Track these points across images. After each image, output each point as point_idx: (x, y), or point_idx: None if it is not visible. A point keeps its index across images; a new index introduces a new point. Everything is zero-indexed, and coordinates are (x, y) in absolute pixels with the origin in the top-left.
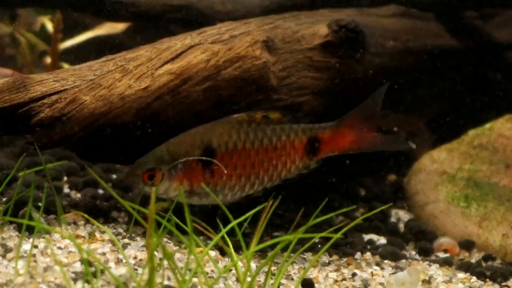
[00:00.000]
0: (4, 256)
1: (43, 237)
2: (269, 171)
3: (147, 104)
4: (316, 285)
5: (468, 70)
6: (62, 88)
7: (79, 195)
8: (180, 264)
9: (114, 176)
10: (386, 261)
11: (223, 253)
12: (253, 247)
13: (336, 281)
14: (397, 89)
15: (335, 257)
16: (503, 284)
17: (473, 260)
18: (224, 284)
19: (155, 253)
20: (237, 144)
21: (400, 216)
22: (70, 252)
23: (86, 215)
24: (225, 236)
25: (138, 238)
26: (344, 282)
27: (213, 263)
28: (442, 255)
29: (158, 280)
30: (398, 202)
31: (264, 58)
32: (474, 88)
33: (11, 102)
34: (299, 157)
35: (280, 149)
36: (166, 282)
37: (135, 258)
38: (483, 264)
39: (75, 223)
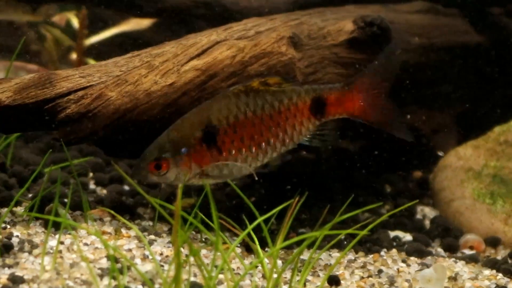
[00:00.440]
0: (30, 252)
1: (69, 233)
2: (279, 136)
3: (173, 100)
4: (342, 282)
5: (493, 66)
6: (88, 84)
7: (105, 191)
8: (206, 261)
9: None
10: (412, 258)
11: (249, 249)
12: (279, 243)
13: (362, 278)
14: (423, 85)
15: (361, 253)
16: None
17: (499, 257)
18: (250, 280)
19: (181, 249)
20: (238, 116)
21: (426, 212)
22: (96, 248)
23: (112, 211)
24: (251, 232)
25: (164, 235)
26: (370, 279)
27: (239, 259)
28: (468, 252)
29: (184, 276)
30: (424, 198)
31: (290, 54)
32: (500, 85)
33: (37, 98)
34: (306, 118)
35: (284, 112)
36: (192, 279)
37: (161, 254)
38: (509, 261)
39: (101, 219)
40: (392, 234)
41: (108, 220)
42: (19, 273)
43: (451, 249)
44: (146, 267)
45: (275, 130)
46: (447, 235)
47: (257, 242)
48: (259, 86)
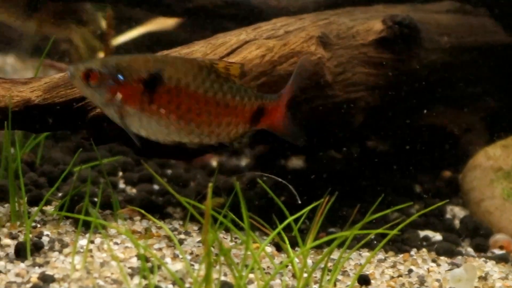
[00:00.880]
0: (60, 252)
1: (99, 233)
2: (211, 126)
3: None
4: (372, 281)
5: None
6: None
7: (134, 190)
8: (236, 260)
9: (169, 172)
10: (442, 258)
11: (279, 249)
12: (310, 243)
13: (392, 277)
14: (452, 85)
15: (391, 253)
16: None
17: None
18: (281, 280)
19: (212, 248)
20: (190, 85)
21: (456, 212)
22: (126, 247)
23: (142, 211)
24: (282, 232)
25: (194, 234)
26: (400, 278)
27: (269, 259)
28: (498, 251)
29: (214, 275)
30: (454, 198)
31: (319, 53)
32: None
33: (66, 97)
34: (243, 122)
35: (231, 108)
36: (222, 278)
37: (191, 253)
38: None
39: (131, 218)
40: (422, 233)
41: (138, 220)
42: (49, 272)
43: (481, 249)
44: (177, 266)
45: (212, 118)
46: (476, 235)
47: (287, 242)
48: (223, 70)
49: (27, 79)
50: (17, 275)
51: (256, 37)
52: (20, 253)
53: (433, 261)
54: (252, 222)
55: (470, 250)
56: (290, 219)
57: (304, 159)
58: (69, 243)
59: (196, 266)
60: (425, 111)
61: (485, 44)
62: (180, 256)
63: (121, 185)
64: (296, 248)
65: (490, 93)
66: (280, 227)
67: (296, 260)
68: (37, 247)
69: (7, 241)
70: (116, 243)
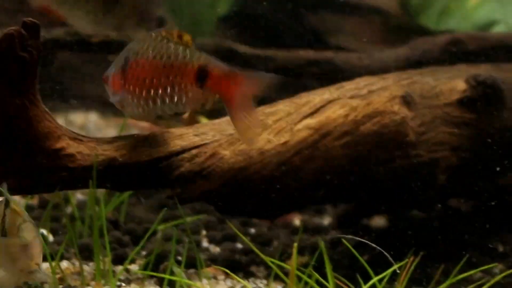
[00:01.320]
0: None
1: None
2: (166, 90)
3: (286, 159)
4: None
5: None
6: (202, 143)
7: (218, 249)
8: None
9: (253, 230)
10: None
11: None
12: None
13: None
14: None
15: None
16: None
17: None
18: None
19: None
20: (144, 55)
21: None
22: None
23: (225, 270)
24: None
25: None
26: None
27: None
28: None
29: None
30: None
31: (402, 113)
32: None
33: (151, 156)
34: (189, 83)
35: (175, 68)
36: None
37: None
38: None
39: (215, 277)
40: None
41: (222, 279)
42: None
43: None
44: None
45: (164, 82)
46: None
47: None
48: (176, 38)
49: (112, 137)
50: None
51: (339, 96)
52: None
53: None
54: (337, 282)
55: None
56: (375, 279)
57: (387, 219)
58: None
59: None
60: (508, 171)
61: None
62: None
63: (205, 243)
64: None
65: None
66: (365, 287)
67: None
68: None
69: None
70: None
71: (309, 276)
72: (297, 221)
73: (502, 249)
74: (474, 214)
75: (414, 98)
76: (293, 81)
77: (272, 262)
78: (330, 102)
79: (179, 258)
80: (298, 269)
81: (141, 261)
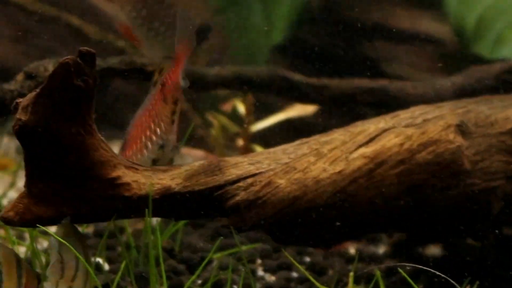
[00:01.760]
0: None
1: None
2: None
3: (341, 188)
4: None
5: None
6: (257, 171)
7: (273, 277)
8: None
9: (308, 259)
10: None
11: None
12: None
13: None
14: None
15: None
16: None
17: None
18: None
19: None
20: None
21: None
22: None
23: None
24: None
25: None
26: None
27: None
28: None
29: None
30: None
31: (457, 142)
32: None
33: (206, 185)
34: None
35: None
36: None
37: None
38: None
39: None
40: None
41: None
42: None
43: None
44: None
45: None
46: None
47: None
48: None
49: (167, 166)
50: None
51: (394, 125)
52: None
53: None
54: None
55: None
56: None
57: (442, 247)
58: None
59: None
60: None
61: None
62: None
63: (260, 272)
64: None
65: None
66: None
67: None
68: None
69: None
70: None
71: None
72: (352, 249)
73: None
74: None
75: (469, 127)
76: (348, 109)
77: None
78: (385, 131)
79: (235, 287)
80: None
81: None
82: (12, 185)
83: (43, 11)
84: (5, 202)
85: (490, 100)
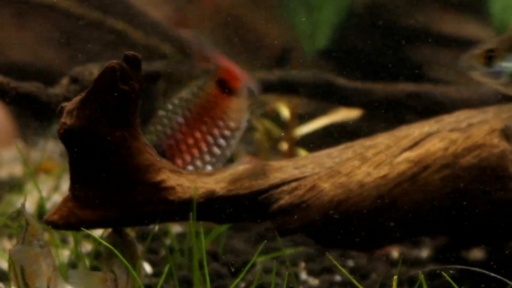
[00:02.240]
0: None
1: None
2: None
3: (385, 192)
4: None
5: None
6: (302, 175)
7: (316, 281)
8: None
9: (351, 262)
10: None
11: None
12: None
13: None
14: None
15: None
16: None
17: None
18: None
19: None
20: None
21: None
22: None
23: None
24: None
25: None
26: None
27: None
28: None
29: None
30: None
31: (502, 146)
32: None
33: (251, 188)
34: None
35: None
36: None
37: None
38: None
39: None
40: None
41: None
42: None
43: None
44: None
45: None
46: None
47: None
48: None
49: (212, 170)
50: None
51: (439, 130)
52: None
53: None
54: None
55: None
56: None
57: (485, 251)
58: None
59: None
60: None
61: None
62: None
63: (304, 275)
64: None
65: None
66: None
67: None
68: None
69: None
70: None
71: None
72: (395, 253)
73: None
74: None
75: None
76: (393, 113)
77: None
78: (429, 135)
79: None
80: None
81: None
82: (56, 188)
83: (88, 15)
84: (49, 205)
85: None
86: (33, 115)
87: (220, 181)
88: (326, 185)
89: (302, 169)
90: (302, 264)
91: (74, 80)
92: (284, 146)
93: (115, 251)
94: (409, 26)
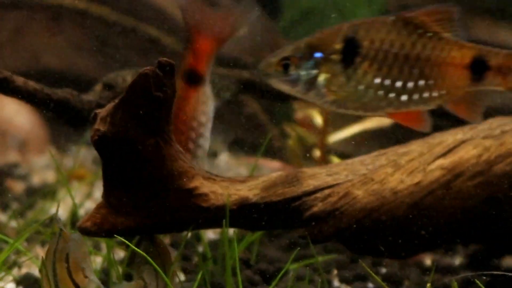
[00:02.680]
0: None
1: None
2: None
3: (418, 199)
4: None
5: None
6: (335, 183)
7: None
8: None
9: (384, 270)
10: None
11: None
12: None
13: None
14: None
15: None
16: None
17: None
18: None
19: None
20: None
21: None
22: None
23: None
24: None
25: None
26: None
27: None
28: None
29: None
30: None
31: None
32: None
33: (284, 195)
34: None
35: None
36: None
37: None
38: None
39: None
40: None
41: None
42: None
43: None
44: None
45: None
46: None
47: None
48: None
49: (245, 177)
50: None
51: (472, 137)
52: None
53: None
54: None
55: None
56: None
57: None
58: None
59: None
60: None
61: None
62: None
63: (336, 283)
64: None
65: None
66: None
67: None
68: None
69: None
70: None
71: None
72: (428, 260)
73: None
74: None
75: None
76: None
77: None
78: (463, 142)
79: None
80: None
81: None
82: (88, 195)
83: (121, 22)
84: (81, 212)
85: None
86: (66, 121)
87: (253, 188)
88: (359, 192)
89: (335, 176)
90: (335, 271)
91: (107, 87)
92: (317, 153)
93: (147, 257)
94: None
